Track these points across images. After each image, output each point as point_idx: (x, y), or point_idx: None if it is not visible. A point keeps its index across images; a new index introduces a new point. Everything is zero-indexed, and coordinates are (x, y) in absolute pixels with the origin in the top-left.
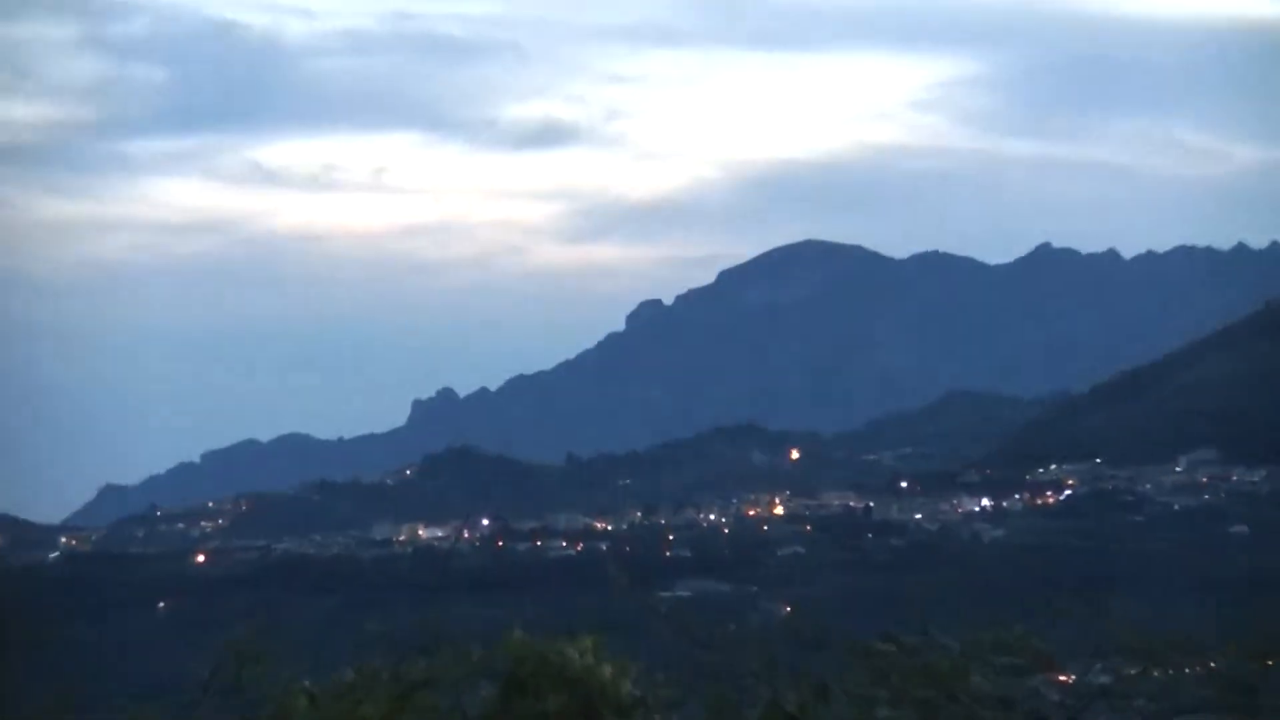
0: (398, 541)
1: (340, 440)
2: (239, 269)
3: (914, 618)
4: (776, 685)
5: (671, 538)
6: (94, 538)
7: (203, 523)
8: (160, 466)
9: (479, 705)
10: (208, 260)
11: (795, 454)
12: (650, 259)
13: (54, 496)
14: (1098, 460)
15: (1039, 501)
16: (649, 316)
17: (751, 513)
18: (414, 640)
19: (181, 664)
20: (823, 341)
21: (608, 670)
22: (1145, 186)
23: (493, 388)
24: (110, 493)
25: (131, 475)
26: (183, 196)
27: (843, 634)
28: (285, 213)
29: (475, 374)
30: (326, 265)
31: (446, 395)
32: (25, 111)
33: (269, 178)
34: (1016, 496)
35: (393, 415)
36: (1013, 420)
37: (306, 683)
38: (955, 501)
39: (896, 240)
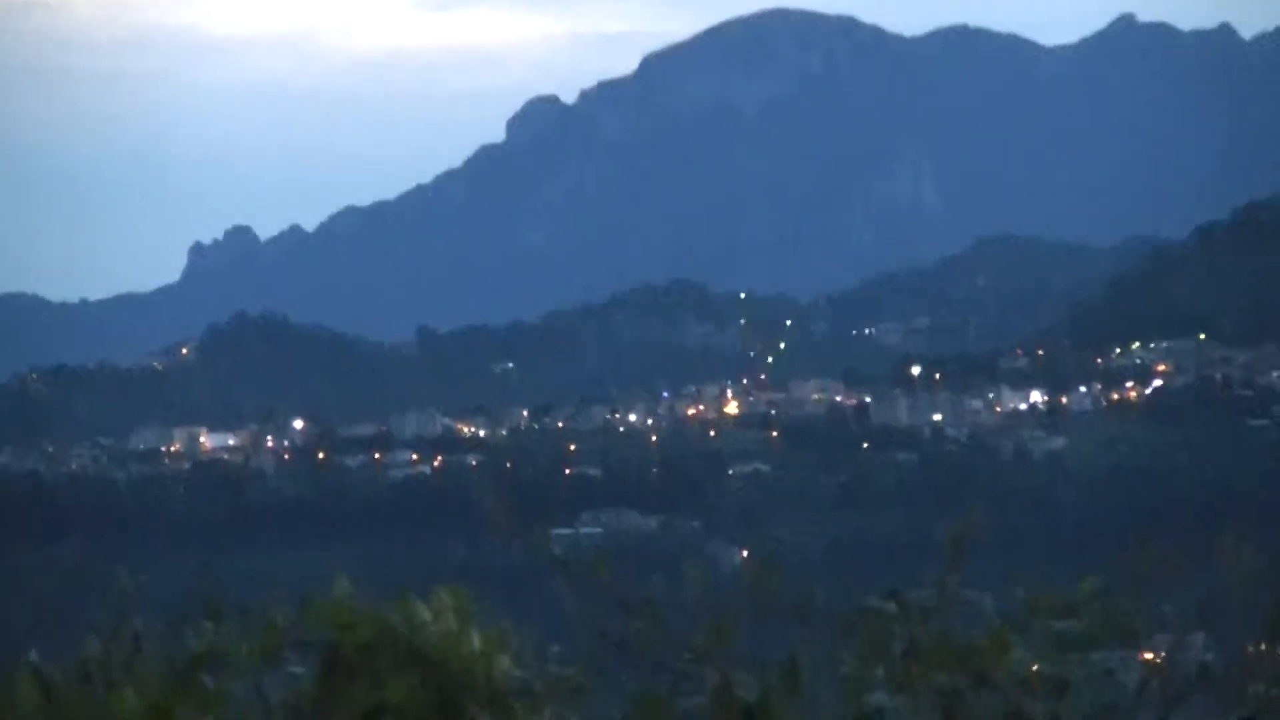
0: (168, 454)
1: (83, 303)
2: None
3: (930, 567)
4: (727, 665)
5: (573, 449)
6: None
7: None
8: None
9: (286, 691)
10: None
11: (754, 328)
12: (544, 36)
13: None
14: (1203, 337)
15: (1116, 397)
16: (541, 123)
17: (692, 413)
18: (190, 598)
19: None
20: (797, 162)
21: (476, 642)
22: None
23: (309, 226)
24: None
25: None
26: None
27: (825, 591)
28: None
29: (283, 208)
30: (60, 48)
31: (240, 238)
32: None
33: None
34: (1083, 390)
35: (161, 267)
36: (1078, 279)
37: (34, 657)
38: (993, 397)
39: (907, 9)
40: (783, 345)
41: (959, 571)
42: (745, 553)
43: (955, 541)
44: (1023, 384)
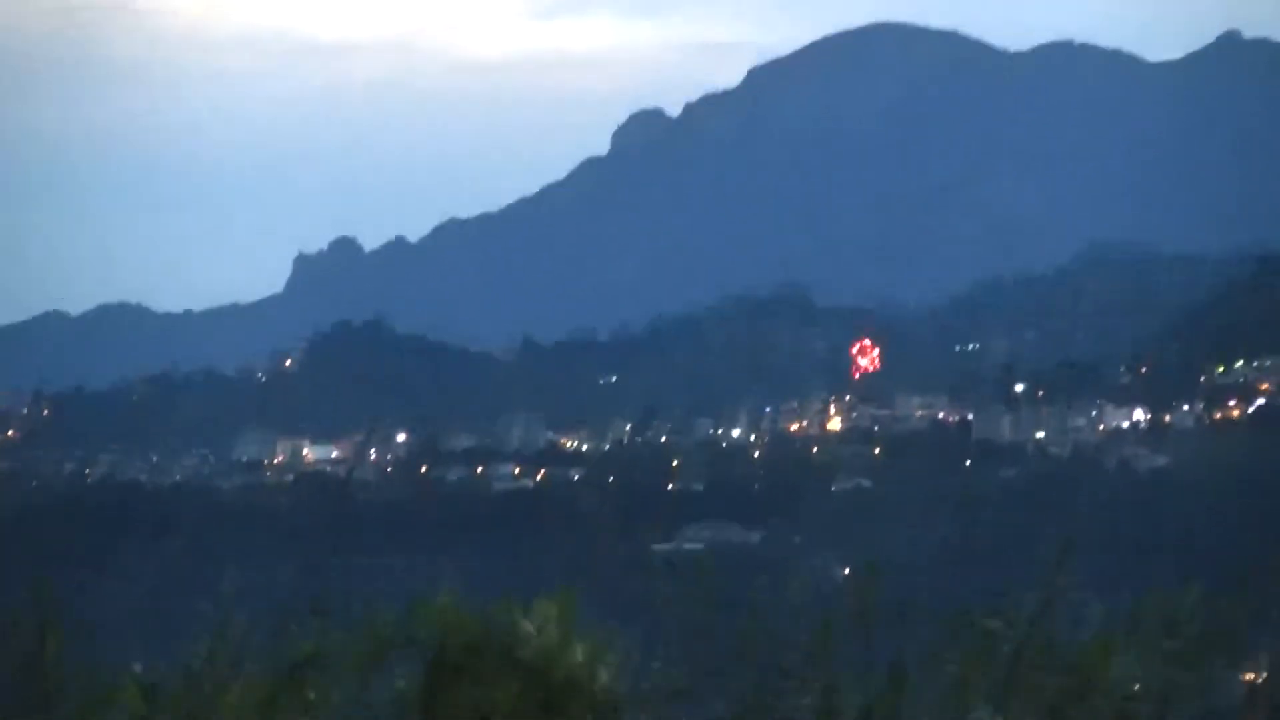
0: (272, 465)
1: (188, 314)
2: (20, 55)
3: (1034, 581)
4: (831, 673)
5: (676, 464)
6: None
7: None
8: None
9: (392, 695)
10: None
11: (861, 341)
12: (649, 47)
13: None
14: None
15: (1222, 415)
16: (645, 134)
17: (795, 428)
18: (296, 604)
19: None
20: (902, 174)
21: (579, 650)
22: None
23: (413, 238)
24: None
25: None
26: None
27: (928, 603)
28: None
29: (388, 219)
30: (160, 52)
31: (345, 249)
32: None
33: None
34: (1188, 408)
35: (266, 277)
36: (1185, 292)
37: (137, 667)
38: (1096, 413)
39: (1011, 23)
40: (887, 357)
41: (1065, 578)
42: (847, 567)
43: (1060, 551)
44: (1126, 399)
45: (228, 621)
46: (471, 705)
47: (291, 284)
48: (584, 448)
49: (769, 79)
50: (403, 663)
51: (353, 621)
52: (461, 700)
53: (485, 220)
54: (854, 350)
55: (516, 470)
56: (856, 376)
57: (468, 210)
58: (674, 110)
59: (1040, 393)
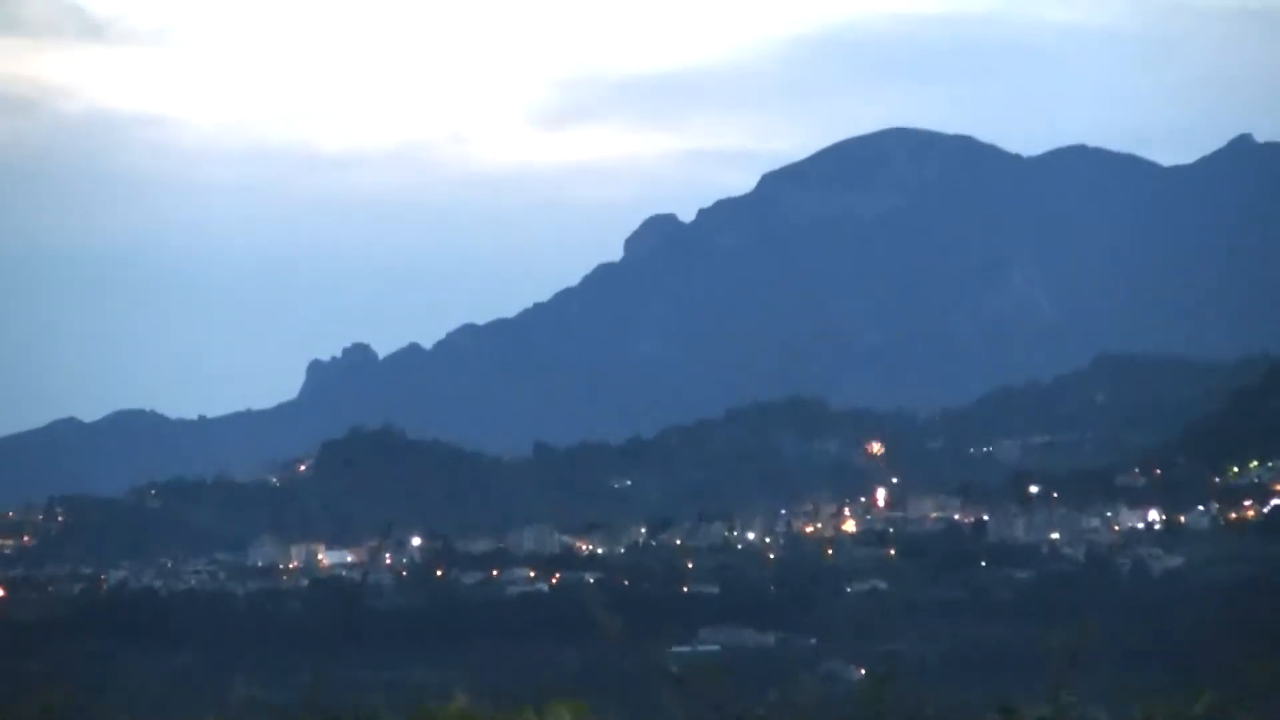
0: (286, 570)
1: (201, 420)
2: (37, 167)
3: (1047, 683)
4: None
5: (691, 566)
6: None
7: None
8: None
9: None
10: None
11: (874, 444)
12: (662, 155)
13: None
14: None
15: (1237, 515)
16: (659, 240)
17: (809, 530)
18: (307, 712)
19: None
20: (913, 279)
21: None
22: None
23: (427, 344)
24: None
25: None
26: None
27: (943, 707)
28: (112, 77)
29: (402, 325)
30: (173, 164)
31: (358, 355)
32: None
33: (90, 29)
34: (1201, 509)
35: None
36: (1197, 396)
37: None
38: (1110, 515)
39: (1022, 128)
40: (899, 460)
41: (1074, 685)
42: (862, 670)
43: (1069, 655)
44: (1139, 502)
45: None
46: None
47: (305, 390)
48: (598, 550)
49: (781, 183)
50: None
51: None
52: None
53: (499, 325)
54: (860, 448)
55: (530, 574)
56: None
57: (482, 316)
58: (687, 216)
59: (1054, 494)
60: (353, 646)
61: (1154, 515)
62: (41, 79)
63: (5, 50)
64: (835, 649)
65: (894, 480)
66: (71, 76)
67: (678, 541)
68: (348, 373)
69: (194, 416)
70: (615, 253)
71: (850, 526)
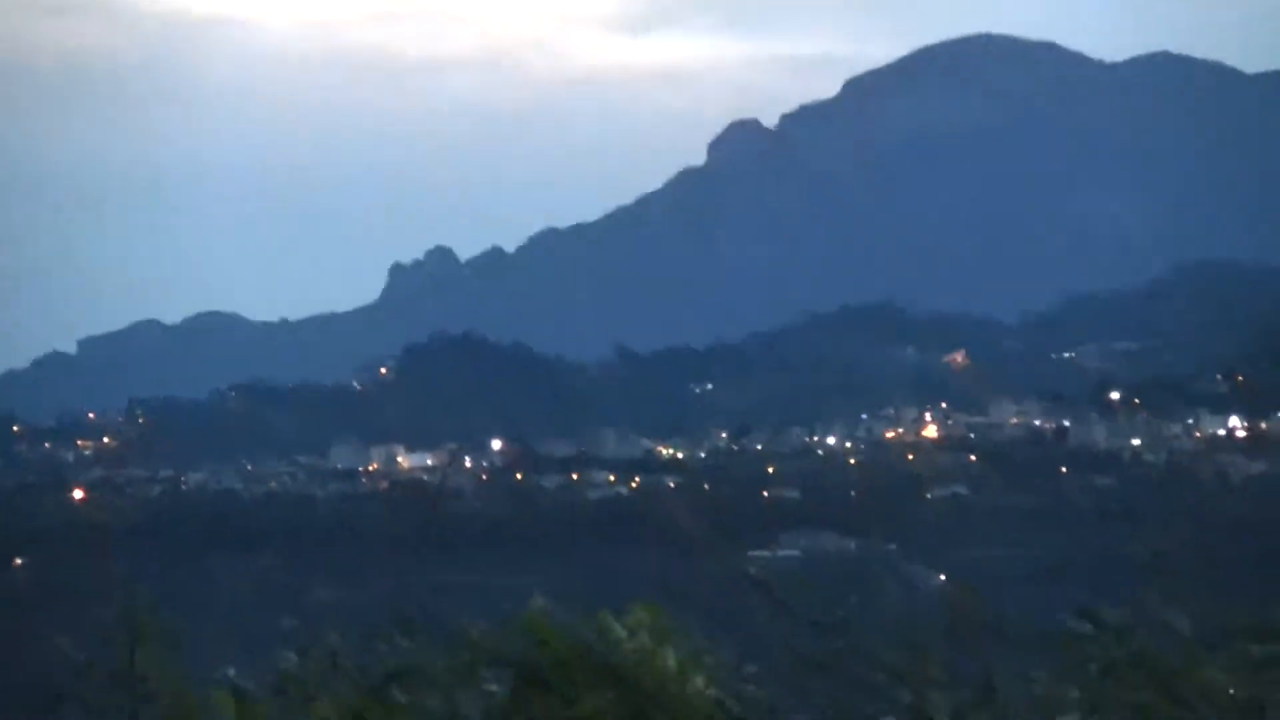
0: (366, 473)
1: (283, 322)
2: (112, 70)
3: (1127, 589)
4: (923, 685)
5: (772, 471)
6: None
7: (80, 443)
8: (20, 359)
9: (483, 707)
10: (82, 57)
11: (956, 352)
12: (744, 60)
13: None
14: None
15: None
16: (742, 146)
17: (890, 436)
18: (388, 615)
19: (52, 643)
20: (997, 185)
21: (671, 659)
22: None
23: (509, 248)
24: None
25: None
26: None
27: (1021, 612)
28: None
29: (483, 228)
30: (255, 67)
31: (440, 259)
32: None
33: None
34: None
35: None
36: (1277, 304)
37: (231, 672)
38: (1193, 421)
39: (1108, 36)
40: (981, 367)
41: (1156, 591)
42: (942, 576)
43: (1151, 561)
44: (1221, 409)
45: (319, 631)
46: (560, 714)
47: (387, 293)
48: (680, 455)
49: (865, 90)
50: (495, 675)
51: (443, 635)
52: (552, 710)
53: (581, 230)
54: (942, 353)
55: (611, 478)
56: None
57: (564, 220)
58: (771, 121)
59: (1136, 401)
60: (432, 550)
61: (1235, 422)
62: None
63: None
64: (917, 554)
65: (976, 386)
66: None
67: (759, 447)
68: (429, 275)
69: (275, 319)
70: (699, 158)
71: (931, 432)
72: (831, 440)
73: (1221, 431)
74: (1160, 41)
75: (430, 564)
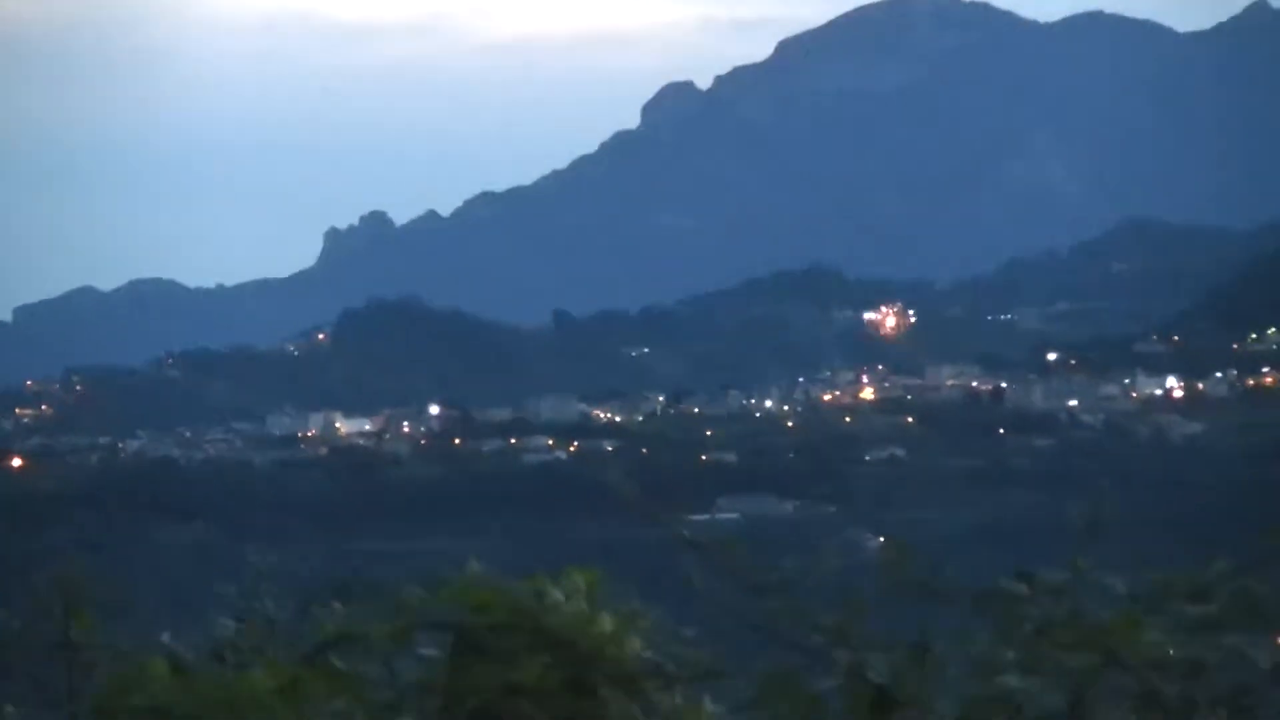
0: (304, 439)
1: (220, 289)
2: (50, 39)
3: (1063, 550)
4: (861, 647)
5: (710, 435)
6: None
7: (18, 411)
8: None
9: (418, 672)
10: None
11: (892, 313)
12: (679, 22)
13: None
14: None
15: (1255, 383)
16: (675, 108)
17: (828, 399)
18: (323, 580)
19: None
20: (934, 146)
21: (608, 623)
22: None
23: (445, 212)
24: None
25: None
26: None
27: (958, 572)
28: None
29: (419, 193)
30: (190, 32)
31: (375, 224)
32: None
33: None
34: (1220, 376)
35: (297, 253)
36: (1216, 264)
37: (166, 638)
38: (1130, 382)
39: None
40: (918, 329)
41: (1091, 553)
42: (880, 538)
43: (1088, 522)
44: (1159, 369)
45: (255, 598)
46: (498, 679)
47: (323, 258)
48: (617, 419)
49: (798, 51)
50: (431, 640)
51: (380, 600)
52: (487, 674)
53: (516, 193)
54: (878, 315)
55: (550, 442)
56: (887, 340)
57: (499, 184)
58: (705, 83)
59: (1073, 362)
60: (370, 515)
61: (1173, 382)
62: None
63: None
64: (855, 516)
65: (913, 349)
66: None
67: (696, 410)
68: (365, 241)
69: (212, 285)
70: (633, 120)
71: (868, 395)
72: (769, 403)
73: (1159, 392)
74: (1093, 1)
75: (368, 530)
